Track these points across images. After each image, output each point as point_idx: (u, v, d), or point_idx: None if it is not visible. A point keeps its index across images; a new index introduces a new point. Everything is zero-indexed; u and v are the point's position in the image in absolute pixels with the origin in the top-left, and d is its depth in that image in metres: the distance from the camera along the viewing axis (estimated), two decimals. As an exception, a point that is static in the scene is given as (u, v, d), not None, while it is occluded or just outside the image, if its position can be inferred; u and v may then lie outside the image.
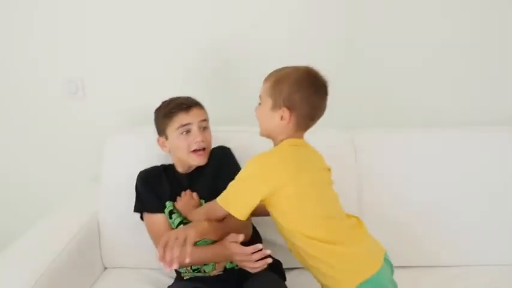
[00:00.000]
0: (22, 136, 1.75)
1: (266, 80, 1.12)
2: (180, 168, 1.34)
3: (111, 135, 1.53)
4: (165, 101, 1.34)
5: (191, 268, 1.26)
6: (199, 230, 1.08)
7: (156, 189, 1.31)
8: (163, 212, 1.30)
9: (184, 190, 1.30)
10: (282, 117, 1.08)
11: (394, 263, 1.45)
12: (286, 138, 1.10)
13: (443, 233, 1.47)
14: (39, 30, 1.64)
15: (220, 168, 1.30)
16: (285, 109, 1.07)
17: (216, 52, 1.64)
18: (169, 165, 1.37)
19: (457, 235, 1.47)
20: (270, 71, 1.14)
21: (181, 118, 1.27)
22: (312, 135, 1.52)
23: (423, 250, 1.47)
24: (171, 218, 1.29)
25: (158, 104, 1.71)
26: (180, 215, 1.28)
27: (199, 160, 1.28)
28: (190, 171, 1.33)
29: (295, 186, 1.04)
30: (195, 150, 1.27)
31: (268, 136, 1.14)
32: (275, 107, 1.08)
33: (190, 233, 1.03)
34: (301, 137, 1.15)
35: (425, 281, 1.39)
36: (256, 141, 1.19)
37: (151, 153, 1.40)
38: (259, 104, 1.13)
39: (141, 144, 1.47)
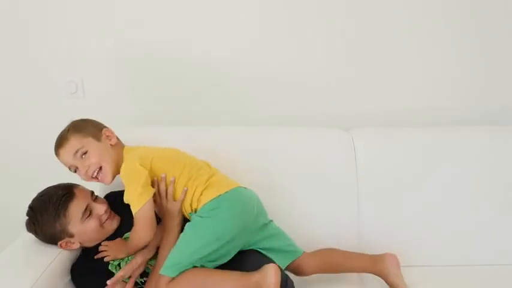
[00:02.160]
0: (22, 136, 1.75)
1: (67, 144, 1.19)
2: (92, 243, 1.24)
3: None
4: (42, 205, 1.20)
5: None
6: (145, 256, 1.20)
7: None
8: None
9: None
10: (108, 137, 1.23)
11: (394, 262, 1.46)
12: (122, 155, 1.23)
13: (443, 233, 1.46)
14: (39, 30, 1.64)
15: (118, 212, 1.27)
16: (105, 130, 1.24)
17: (216, 54, 1.65)
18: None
19: (457, 235, 1.46)
20: None
21: (77, 205, 1.19)
22: (312, 135, 1.53)
23: (423, 250, 1.47)
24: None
25: (159, 104, 1.71)
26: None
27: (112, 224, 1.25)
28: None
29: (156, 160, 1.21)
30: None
31: (117, 167, 1.20)
32: (98, 137, 1.21)
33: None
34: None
35: (425, 281, 1.38)
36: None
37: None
38: (87, 160, 1.18)
39: (140, 144, 1.46)
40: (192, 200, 1.20)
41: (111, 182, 1.20)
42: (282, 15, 1.61)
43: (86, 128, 1.22)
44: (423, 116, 1.70)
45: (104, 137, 1.22)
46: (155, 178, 1.20)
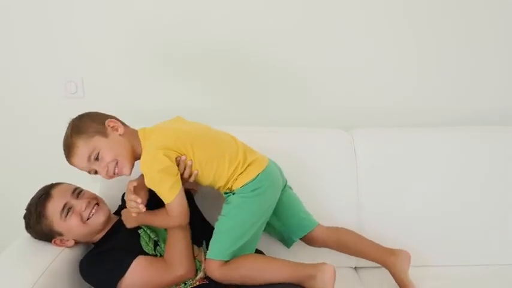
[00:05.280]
0: (22, 136, 1.75)
1: (77, 152, 1.14)
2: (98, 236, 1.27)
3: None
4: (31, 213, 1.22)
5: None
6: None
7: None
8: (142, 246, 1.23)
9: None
10: (114, 127, 1.16)
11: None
12: (139, 141, 1.18)
13: (443, 232, 1.47)
14: (39, 30, 1.64)
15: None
16: (108, 121, 1.17)
17: (222, 51, 1.65)
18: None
19: (457, 235, 1.47)
20: None
21: (54, 204, 1.20)
22: (312, 135, 1.53)
23: (423, 250, 1.47)
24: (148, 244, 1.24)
25: (158, 104, 1.71)
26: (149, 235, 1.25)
27: (98, 218, 1.24)
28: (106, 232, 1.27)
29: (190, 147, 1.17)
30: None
31: (134, 155, 1.17)
32: (103, 132, 1.15)
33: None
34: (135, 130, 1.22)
35: (425, 280, 1.38)
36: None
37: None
38: (102, 161, 1.14)
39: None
40: (228, 180, 1.19)
41: (130, 173, 1.18)
42: (278, 15, 1.62)
43: (88, 126, 1.15)
44: (423, 116, 1.70)
45: (109, 129, 1.16)
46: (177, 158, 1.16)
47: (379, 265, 1.46)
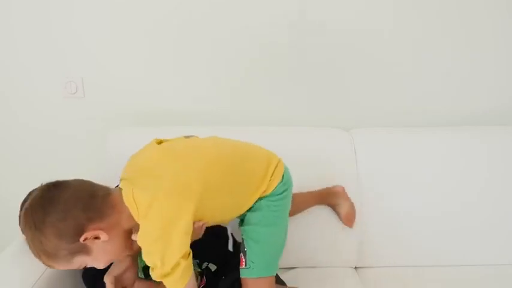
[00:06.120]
0: (22, 136, 1.75)
1: (55, 267, 0.88)
2: None
3: (111, 136, 1.52)
4: None
5: None
6: None
7: None
8: None
9: None
10: (95, 239, 0.87)
11: (394, 262, 1.46)
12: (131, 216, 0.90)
13: (444, 232, 1.47)
14: (39, 30, 1.64)
15: None
16: (84, 237, 0.85)
17: (222, 52, 1.64)
18: None
19: (458, 235, 1.47)
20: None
21: None
22: (312, 135, 1.53)
23: (423, 250, 1.47)
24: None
25: (158, 104, 1.71)
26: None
27: None
28: None
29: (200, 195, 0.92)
30: None
31: (130, 235, 0.91)
32: (82, 251, 0.86)
33: None
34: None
35: (425, 280, 1.39)
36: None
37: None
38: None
39: (141, 145, 1.46)
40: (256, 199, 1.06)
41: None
42: (276, 14, 1.61)
43: (57, 249, 0.84)
44: (423, 116, 1.70)
45: (89, 242, 0.86)
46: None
47: (379, 265, 1.46)
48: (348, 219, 1.40)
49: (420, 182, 1.47)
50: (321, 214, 1.43)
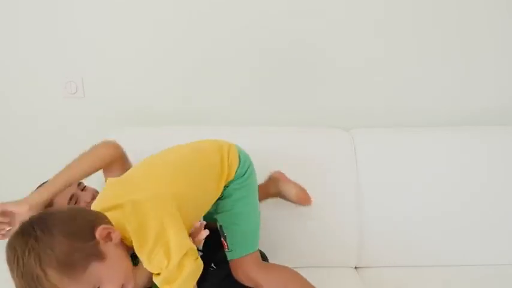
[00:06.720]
0: (22, 136, 1.75)
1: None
2: None
3: (111, 136, 1.52)
4: None
5: None
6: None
7: None
8: None
9: None
10: (107, 237, 0.81)
11: (394, 262, 1.46)
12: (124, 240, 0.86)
13: (443, 232, 1.47)
14: (39, 31, 1.64)
15: None
16: (102, 229, 0.80)
17: (221, 52, 1.65)
18: None
19: (458, 235, 1.47)
20: None
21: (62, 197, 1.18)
22: (312, 135, 1.53)
23: (423, 250, 1.47)
24: None
25: (158, 104, 1.71)
26: None
27: None
28: None
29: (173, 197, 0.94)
30: None
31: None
32: (97, 254, 0.77)
33: None
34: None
35: (425, 280, 1.39)
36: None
37: (151, 153, 1.40)
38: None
39: (142, 145, 1.47)
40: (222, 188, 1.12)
41: None
42: (273, 13, 1.62)
43: (73, 249, 0.74)
44: (423, 116, 1.70)
45: (102, 243, 0.79)
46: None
47: (379, 265, 1.46)
48: (301, 199, 1.35)
49: (420, 182, 1.47)
50: (320, 214, 1.43)
